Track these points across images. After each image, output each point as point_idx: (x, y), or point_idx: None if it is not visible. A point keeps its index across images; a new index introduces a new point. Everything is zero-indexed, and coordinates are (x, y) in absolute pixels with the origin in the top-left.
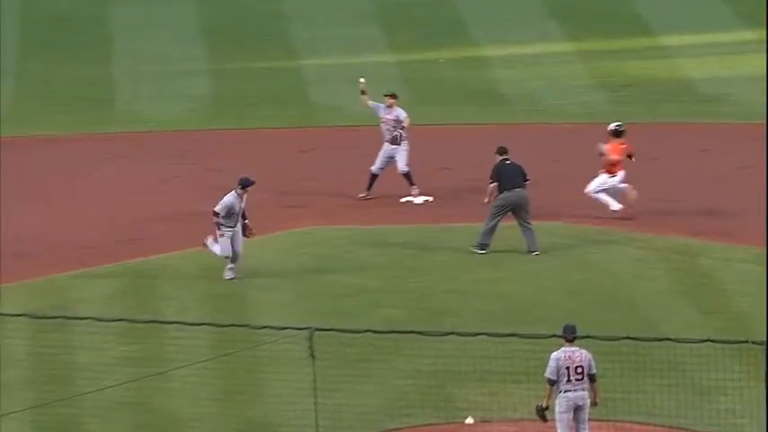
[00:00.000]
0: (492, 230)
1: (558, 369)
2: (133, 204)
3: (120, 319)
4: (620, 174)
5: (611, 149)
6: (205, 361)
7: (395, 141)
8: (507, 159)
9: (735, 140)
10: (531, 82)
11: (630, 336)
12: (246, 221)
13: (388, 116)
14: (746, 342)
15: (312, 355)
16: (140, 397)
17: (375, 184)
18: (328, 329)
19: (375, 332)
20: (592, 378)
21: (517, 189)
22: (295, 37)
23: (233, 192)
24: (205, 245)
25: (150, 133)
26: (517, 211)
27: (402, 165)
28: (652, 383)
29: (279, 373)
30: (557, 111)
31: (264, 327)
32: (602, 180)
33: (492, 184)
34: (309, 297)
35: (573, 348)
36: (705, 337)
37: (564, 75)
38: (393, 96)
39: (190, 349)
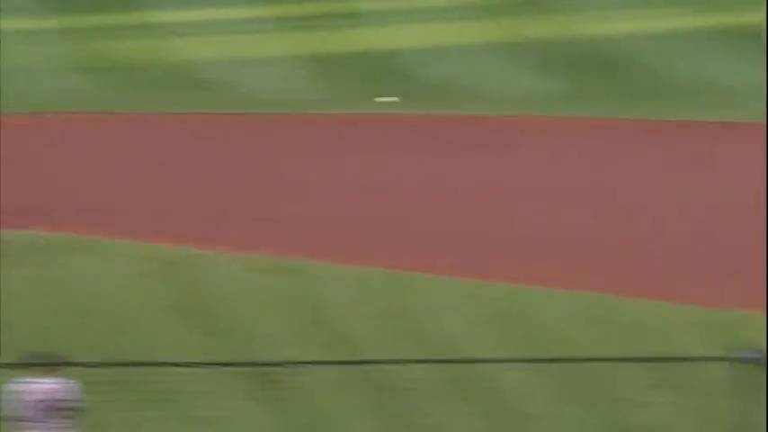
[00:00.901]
0: None
1: (20, 405)
2: None
3: None
4: None
5: None
6: None
7: None
8: None
9: (219, 132)
10: None
11: (108, 362)
12: None
13: None
14: (250, 365)
15: None
16: None
17: None
18: None
19: None
20: (65, 414)
21: None
22: None
23: None
24: None
25: None
26: None
27: None
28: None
29: None
30: (21, 98)
31: None
32: None
33: None
34: None
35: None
36: (199, 361)
37: (38, 55)
38: None
39: None
